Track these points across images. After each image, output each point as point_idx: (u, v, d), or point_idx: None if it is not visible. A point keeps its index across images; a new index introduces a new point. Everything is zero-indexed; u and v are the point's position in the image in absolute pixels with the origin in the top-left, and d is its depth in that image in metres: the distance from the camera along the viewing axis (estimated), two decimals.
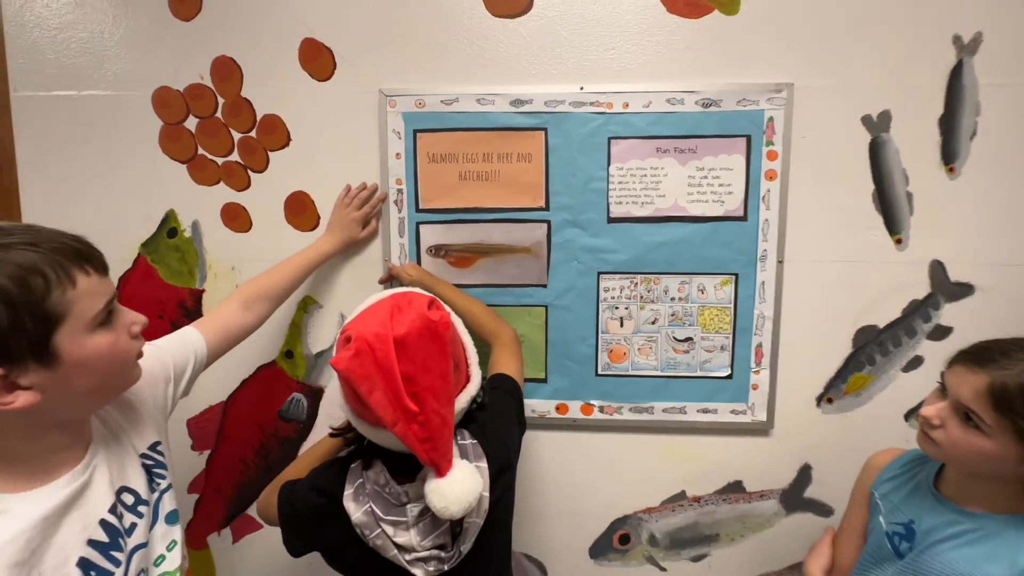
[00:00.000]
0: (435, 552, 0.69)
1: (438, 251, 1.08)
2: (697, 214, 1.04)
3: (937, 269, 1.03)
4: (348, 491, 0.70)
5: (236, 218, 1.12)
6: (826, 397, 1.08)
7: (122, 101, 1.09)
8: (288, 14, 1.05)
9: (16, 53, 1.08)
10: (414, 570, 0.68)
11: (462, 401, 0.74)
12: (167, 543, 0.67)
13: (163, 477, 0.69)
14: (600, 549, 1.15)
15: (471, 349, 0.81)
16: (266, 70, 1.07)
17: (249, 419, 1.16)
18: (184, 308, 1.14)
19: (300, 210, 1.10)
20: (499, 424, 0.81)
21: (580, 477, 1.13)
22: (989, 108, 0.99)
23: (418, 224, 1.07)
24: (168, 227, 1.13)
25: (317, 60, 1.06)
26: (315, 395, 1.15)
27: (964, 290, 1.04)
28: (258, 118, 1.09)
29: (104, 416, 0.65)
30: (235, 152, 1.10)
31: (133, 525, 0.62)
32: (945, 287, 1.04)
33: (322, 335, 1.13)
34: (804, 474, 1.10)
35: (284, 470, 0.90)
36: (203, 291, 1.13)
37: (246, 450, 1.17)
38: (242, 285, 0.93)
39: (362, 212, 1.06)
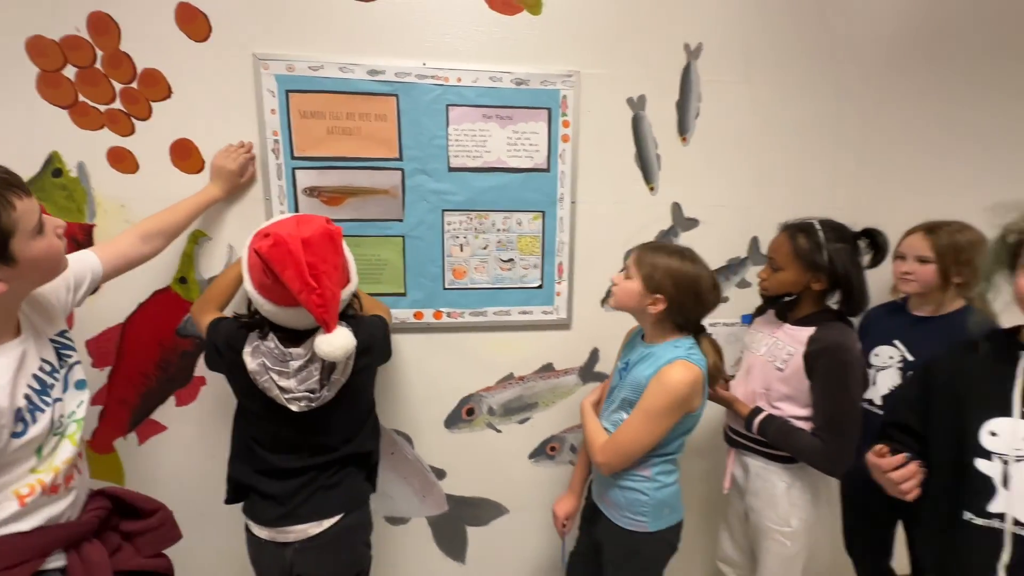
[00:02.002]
0: (306, 394, 1.00)
1: (312, 191, 1.32)
2: (514, 166, 1.39)
3: (676, 209, 1.50)
4: (247, 349, 0.99)
5: (122, 161, 1.26)
6: (606, 300, 1.52)
7: None
8: None
9: None
10: (290, 405, 0.99)
11: (346, 293, 1.04)
12: (77, 402, 0.91)
13: (70, 356, 0.93)
14: (452, 421, 1.52)
15: (352, 261, 1.10)
16: (144, 28, 1.21)
17: (148, 337, 1.34)
18: (76, 242, 1.26)
19: (185, 155, 1.28)
20: (368, 325, 1.12)
21: (435, 367, 1.48)
22: (707, 97, 1.45)
23: (294, 169, 1.31)
24: (52, 168, 1.24)
25: (193, 23, 1.22)
26: None
27: (692, 223, 1.52)
28: (139, 71, 1.23)
29: (24, 309, 0.86)
30: (117, 101, 1.23)
31: (52, 385, 0.86)
32: (681, 221, 1.51)
33: (212, 263, 1.33)
34: (594, 355, 1.56)
35: (207, 289, 1.24)
36: (94, 225, 1.28)
37: (146, 364, 1.36)
38: (141, 220, 1.13)
39: (238, 164, 1.25)
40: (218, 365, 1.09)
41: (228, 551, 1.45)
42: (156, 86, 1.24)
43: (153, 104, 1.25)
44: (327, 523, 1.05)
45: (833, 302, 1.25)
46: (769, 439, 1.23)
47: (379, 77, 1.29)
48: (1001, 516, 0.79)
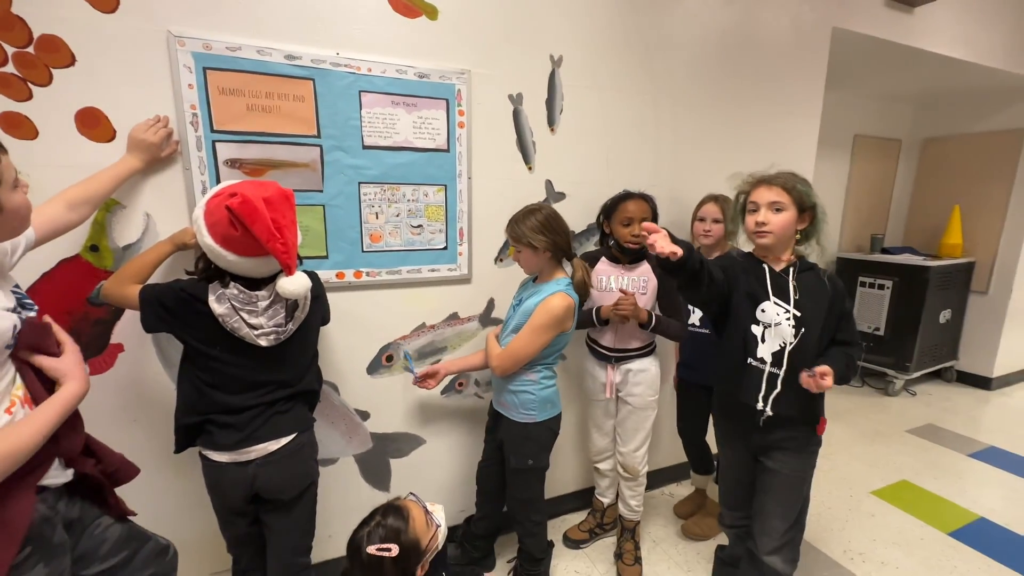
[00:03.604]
0: (275, 328, 1.17)
1: (234, 163, 1.43)
2: (420, 146, 1.66)
3: (549, 184, 1.91)
4: (212, 297, 1.12)
5: (18, 127, 1.24)
6: (499, 258, 1.88)
7: None
8: None
9: None
10: (260, 341, 1.15)
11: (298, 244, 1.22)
12: None
13: (32, 305, 0.98)
14: (374, 367, 1.75)
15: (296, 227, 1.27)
16: None
17: (54, 307, 1.33)
18: None
19: (93, 123, 1.30)
20: (318, 280, 1.33)
21: (357, 320, 1.69)
22: (568, 97, 1.87)
23: (214, 142, 1.40)
24: None
25: None
26: None
27: (561, 196, 1.94)
28: (35, 36, 1.22)
29: None
30: (10, 64, 1.21)
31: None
32: (552, 194, 1.93)
33: (128, 232, 1.37)
34: (490, 304, 1.91)
35: (122, 267, 1.26)
36: None
37: None
38: (66, 189, 1.16)
39: (159, 137, 1.32)
40: (164, 324, 1.17)
41: (157, 515, 1.51)
42: (57, 52, 1.24)
43: (54, 70, 1.24)
44: (284, 440, 1.23)
45: None
46: (662, 330, 1.74)
47: (296, 62, 1.45)
48: (762, 360, 1.34)
